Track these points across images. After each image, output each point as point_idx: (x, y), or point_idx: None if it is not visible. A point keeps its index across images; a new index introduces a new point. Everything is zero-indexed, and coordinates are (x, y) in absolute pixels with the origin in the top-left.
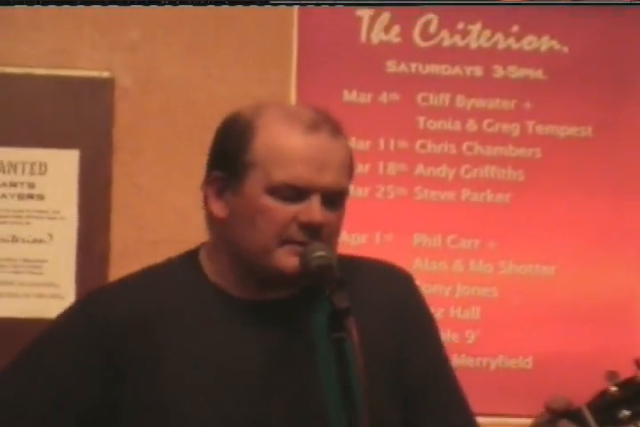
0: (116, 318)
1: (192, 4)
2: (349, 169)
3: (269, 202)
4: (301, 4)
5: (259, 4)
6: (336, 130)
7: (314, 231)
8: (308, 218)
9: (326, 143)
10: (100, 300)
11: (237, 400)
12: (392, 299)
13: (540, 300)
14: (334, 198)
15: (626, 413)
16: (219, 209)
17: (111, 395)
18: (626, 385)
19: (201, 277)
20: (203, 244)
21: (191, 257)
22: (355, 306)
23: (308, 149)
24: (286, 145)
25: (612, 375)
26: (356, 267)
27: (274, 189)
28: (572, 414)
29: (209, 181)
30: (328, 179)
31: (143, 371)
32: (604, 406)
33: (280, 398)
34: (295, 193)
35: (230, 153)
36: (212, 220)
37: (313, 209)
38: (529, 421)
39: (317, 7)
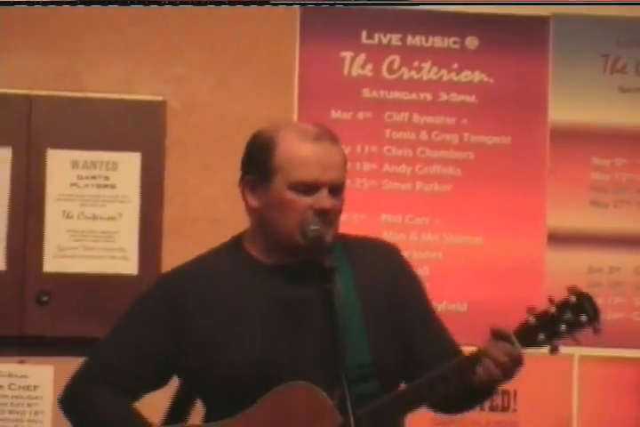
0: (180, 288)
1: (192, 4)
2: (345, 167)
3: (290, 195)
4: (301, 4)
5: (259, 5)
6: (334, 139)
7: (324, 215)
8: (320, 206)
9: (328, 150)
10: (170, 277)
11: (266, 333)
12: (387, 266)
13: (472, 261)
14: (337, 189)
15: (541, 336)
16: (253, 201)
17: (181, 339)
18: (540, 316)
19: (242, 251)
20: (245, 230)
21: (236, 239)
22: (358, 272)
23: (316, 155)
24: (299, 153)
25: (531, 309)
26: (359, 243)
27: (293, 186)
28: (504, 338)
29: (244, 182)
30: (332, 176)
31: (199, 322)
32: (525, 332)
33: (288, 330)
34: (309, 188)
35: (258, 160)
36: (249, 210)
37: (323, 199)
38: (463, 348)
39: (314, 51)
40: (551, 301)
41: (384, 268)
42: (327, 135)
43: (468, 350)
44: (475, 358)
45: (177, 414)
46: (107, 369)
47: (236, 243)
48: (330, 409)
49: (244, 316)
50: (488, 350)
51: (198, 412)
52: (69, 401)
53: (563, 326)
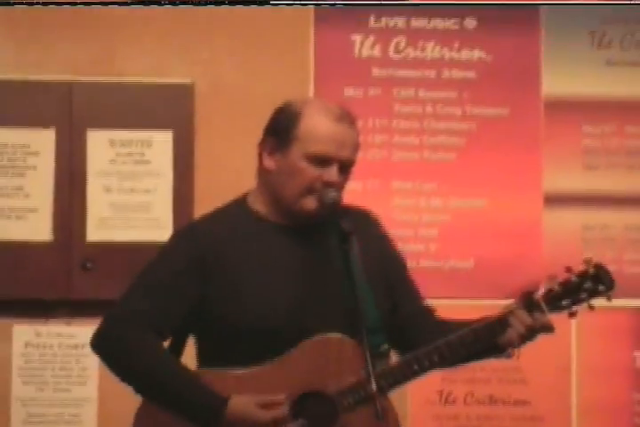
0: (202, 240)
1: (192, 4)
2: (357, 149)
3: (304, 165)
4: (302, 4)
5: (258, 4)
6: (353, 122)
7: (330, 187)
8: (329, 178)
9: (346, 131)
10: (193, 229)
11: (282, 285)
12: (375, 231)
13: (476, 222)
14: (346, 167)
15: (565, 302)
16: (270, 163)
17: (204, 288)
18: (564, 284)
19: (248, 210)
20: (248, 191)
21: (240, 199)
22: (355, 236)
23: (334, 133)
24: (320, 129)
25: (552, 278)
26: (350, 210)
27: (309, 157)
28: (531, 303)
29: (265, 142)
30: (344, 154)
31: (221, 272)
32: (552, 299)
33: (307, 284)
34: (322, 161)
35: (283, 127)
36: (262, 170)
37: (332, 174)
38: (470, 301)
39: (327, 35)
40: (570, 270)
41: (373, 232)
42: (348, 118)
43: (473, 304)
44: (504, 319)
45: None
46: (145, 314)
47: (240, 202)
48: (360, 358)
49: (267, 270)
50: (517, 313)
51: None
52: (110, 338)
53: (584, 294)
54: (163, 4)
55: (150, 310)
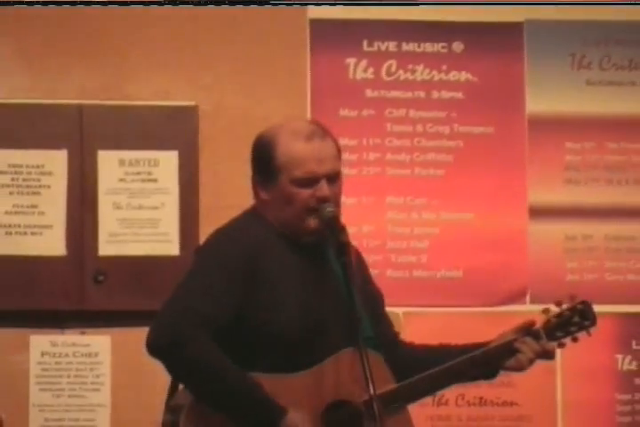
0: (250, 251)
1: (192, 4)
2: (338, 156)
3: (295, 190)
4: (301, 4)
5: (259, 4)
6: (324, 134)
7: (328, 201)
8: (320, 194)
9: (320, 146)
10: (242, 237)
11: (301, 299)
12: (356, 254)
13: (465, 234)
14: (333, 177)
15: (559, 333)
16: (265, 196)
17: (246, 293)
18: (559, 317)
19: (268, 223)
20: (246, 210)
21: (255, 213)
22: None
23: (310, 152)
24: (295, 153)
25: (546, 310)
26: None
27: (295, 181)
28: (533, 332)
29: (255, 178)
30: (326, 168)
31: (260, 280)
32: (549, 330)
33: (322, 296)
34: (309, 181)
35: (264, 162)
36: (260, 202)
37: (323, 189)
38: (460, 309)
39: (322, 59)
40: (559, 304)
41: (356, 255)
42: (318, 132)
43: (463, 311)
44: (503, 350)
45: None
46: (209, 317)
47: (257, 216)
48: (386, 372)
49: (296, 283)
50: (527, 341)
51: None
52: (177, 340)
53: (574, 328)
54: (163, 5)
55: (211, 311)
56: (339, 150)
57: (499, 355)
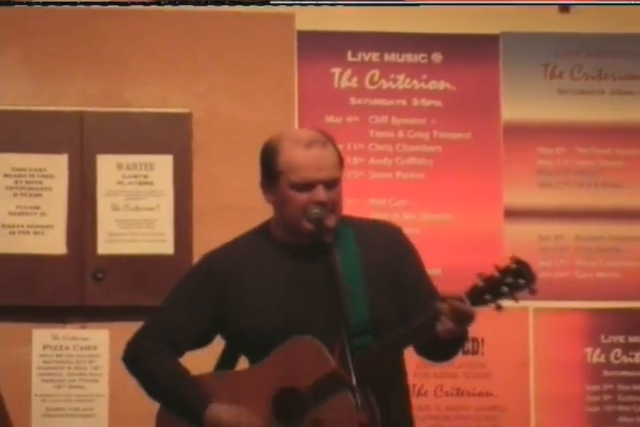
0: (221, 266)
1: (192, 4)
2: (339, 164)
3: (293, 194)
4: (302, 4)
5: (259, 4)
6: (326, 143)
7: (323, 206)
8: (317, 198)
9: (319, 154)
10: (214, 256)
11: (282, 301)
12: (387, 241)
13: (444, 234)
14: (331, 184)
15: (487, 296)
16: (269, 198)
17: (220, 307)
18: (486, 280)
19: (269, 233)
20: (272, 217)
21: (265, 224)
22: (363, 247)
23: (309, 159)
24: (295, 159)
25: (480, 275)
26: (366, 224)
27: (293, 186)
28: (457, 300)
29: (262, 182)
30: (324, 175)
31: (236, 292)
32: (474, 293)
33: (305, 294)
34: (306, 186)
35: (268, 167)
36: (268, 202)
37: (319, 194)
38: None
39: (309, 69)
40: (497, 268)
41: (384, 243)
42: (320, 140)
43: None
44: (432, 315)
45: (224, 365)
46: (162, 330)
47: (265, 227)
48: (326, 356)
49: (268, 287)
50: (441, 307)
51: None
52: (133, 354)
53: (504, 288)
54: (163, 4)
55: (166, 326)
56: (340, 159)
57: (426, 325)
